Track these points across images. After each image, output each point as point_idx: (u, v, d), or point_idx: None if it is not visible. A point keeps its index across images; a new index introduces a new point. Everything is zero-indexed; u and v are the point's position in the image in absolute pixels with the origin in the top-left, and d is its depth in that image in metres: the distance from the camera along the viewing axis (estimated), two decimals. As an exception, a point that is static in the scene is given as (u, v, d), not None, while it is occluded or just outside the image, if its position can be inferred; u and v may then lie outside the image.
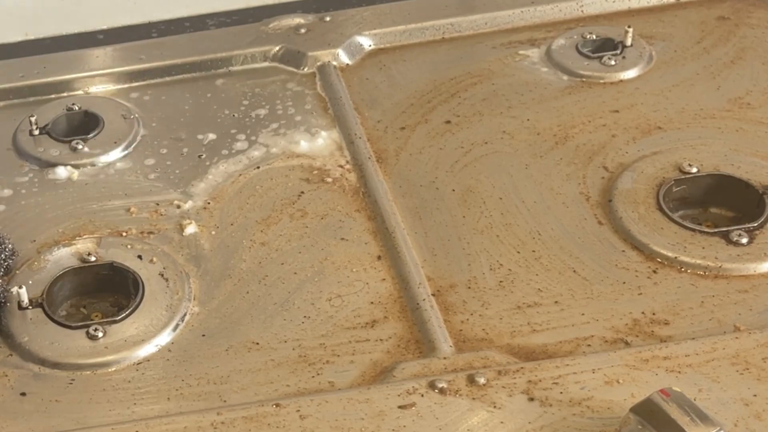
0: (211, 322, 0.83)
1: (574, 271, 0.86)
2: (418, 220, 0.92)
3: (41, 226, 0.93)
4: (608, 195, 0.93)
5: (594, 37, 1.12)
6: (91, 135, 1.02)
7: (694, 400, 0.68)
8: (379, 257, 0.89)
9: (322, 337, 0.82)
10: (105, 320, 0.82)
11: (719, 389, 0.74)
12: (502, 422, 0.73)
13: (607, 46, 1.11)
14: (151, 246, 0.89)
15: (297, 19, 1.16)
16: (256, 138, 1.02)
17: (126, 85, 1.10)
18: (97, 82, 1.10)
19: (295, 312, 0.84)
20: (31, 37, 1.21)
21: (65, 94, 1.09)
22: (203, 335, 0.82)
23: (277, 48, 1.13)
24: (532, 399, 0.74)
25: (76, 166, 0.99)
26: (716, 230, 0.88)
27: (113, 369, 0.80)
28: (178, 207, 0.95)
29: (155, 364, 0.80)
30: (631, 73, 1.08)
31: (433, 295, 0.85)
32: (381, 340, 0.82)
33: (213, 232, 0.92)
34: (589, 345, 0.80)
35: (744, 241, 0.87)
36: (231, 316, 0.84)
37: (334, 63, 1.11)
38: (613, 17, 1.16)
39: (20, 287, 0.83)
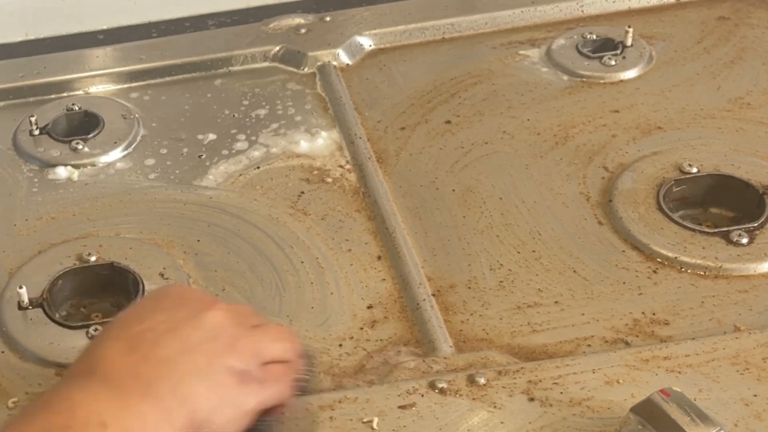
0: (211, 322, 0.83)
1: (574, 271, 0.86)
2: (418, 220, 0.92)
3: (41, 227, 0.93)
4: (608, 195, 0.93)
5: (594, 37, 1.12)
6: (91, 135, 1.02)
7: (694, 400, 0.68)
8: (379, 257, 0.89)
9: (322, 338, 0.82)
10: (105, 320, 0.82)
11: (719, 389, 0.74)
12: (502, 422, 0.73)
13: (607, 46, 1.11)
14: (152, 246, 0.89)
15: (297, 19, 1.16)
16: (257, 138, 1.02)
17: (126, 85, 1.10)
18: (97, 82, 1.10)
19: (295, 313, 0.84)
20: (31, 37, 1.21)
21: (65, 94, 1.09)
22: (203, 335, 0.82)
23: (277, 48, 1.13)
24: (532, 399, 0.74)
25: (76, 166, 0.99)
26: (716, 230, 0.88)
27: (113, 369, 0.80)
28: (178, 207, 0.95)
29: (155, 364, 0.80)
30: (631, 73, 1.08)
31: (433, 295, 0.85)
32: (381, 340, 0.82)
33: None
34: (589, 345, 0.80)
35: (744, 241, 0.87)
36: (231, 316, 0.84)
37: (334, 63, 1.11)
38: (613, 17, 1.16)
39: (20, 287, 0.83)
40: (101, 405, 0.58)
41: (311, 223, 0.92)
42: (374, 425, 0.72)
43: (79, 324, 0.82)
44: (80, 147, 1.01)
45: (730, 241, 0.87)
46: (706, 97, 1.05)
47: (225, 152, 1.01)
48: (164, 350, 0.60)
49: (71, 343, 0.81)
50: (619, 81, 1.07)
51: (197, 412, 0.60)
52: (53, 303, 0.84)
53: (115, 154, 1.01)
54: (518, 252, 0.89)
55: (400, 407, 0.74)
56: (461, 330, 0.82)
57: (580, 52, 1.10)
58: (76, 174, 0.98)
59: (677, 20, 1.16)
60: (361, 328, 0.83)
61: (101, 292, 0.87)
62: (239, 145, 1.01)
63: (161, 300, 0.66)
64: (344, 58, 1.12)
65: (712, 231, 0.88)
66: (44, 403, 0.59)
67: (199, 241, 0.91)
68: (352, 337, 0.82)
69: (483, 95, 1.07)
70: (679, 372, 0.75)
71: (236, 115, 1.05)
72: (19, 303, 0.83)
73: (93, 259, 0.87)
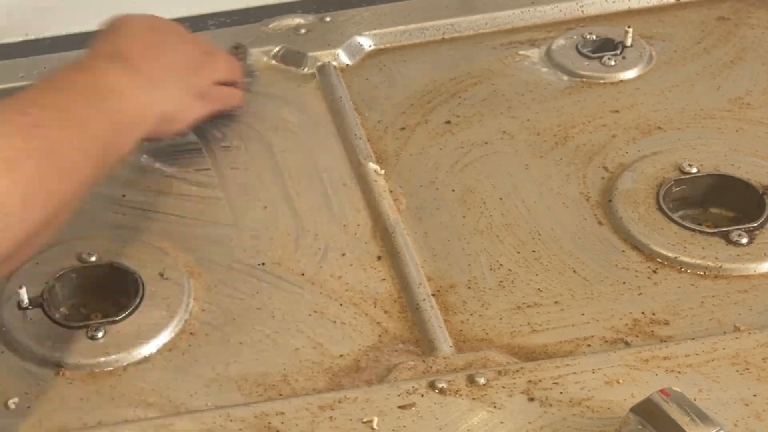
0: (212, 322, 0.83)
1: (574, 271, 0.87)
2: (418, 220, 0.92)
3: (41, 226, 0.93)
4: (608, 195, 0.93)
5: (594, 37, 1.12)
6: (91, 135, 1.02)
7: (694, 400, 0.68)
8: (379, 257, 0.89)
9: (322, 338, 0.82)
10: (105, 320, 0.82)
11: (719, 389, 0.74)
12: (502, 422, 0.73)
13: (607, 46, 1.11)
14: (152, 246, 0.89)
15: (297, 19, 1.16)
16: (257, 138, 1.02)
17: (126, 85, 1.10)
18: (97, 82, 1.10)
19: (295, 312, 0.84)
20: (31, 37, 1.21)
21: (65, 94, 1.08)
22: (203, 335, 0.82)
23: (277, 48, 1.13)
24: (532, 399, 0.74)
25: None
26: (716, 230, 0.88)
27: (113, 369, 0.80)
28: (178, 207, 0.95)
29: (155, 364, 0.80)
30: (631, 73, 1.08)
31: (433, 295, 0.85)
32: (381, 340, 0.82)
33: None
34: (589, 345, 0.80)
35: (744, 241, 0.87)
36: (231, 316, 0.84)
37: (334, 63, 1.11)
38: (613, 17, 1.16)
39: (20, 287, 0.83)
40: (119, 77, 0.80)
41: (311, 224, 0.92)
42: (374, 425, 0.72)
43: (79, 324, 0.82)
44: (80, 147, 1.00)
45: (730, 241, 0.87)
46: (706, 97, 1.05)
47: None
48: (158, 63, 0.87)
49: (71, 343, 0.81)
50: (619, 81, 1.07)
51: (168, 105, 0.86)
52: (53, 303, 0.84)
53: (115, 154, 1.00)
54: (518, 252, 0.89)
55: (399, 407, 0.74)
56: (461, 330, 0.82)
57: (580, 53, 1.10)
58: None
59: (677, 20, 1.16)
60: (361, 329, 0.83)
61: (101, 292, 0.87)
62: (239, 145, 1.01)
63: (157, 24, 0.93)
64: (344, 59, 1.12)
65: (712, 231, 0.88)
66: (75, 65, 0.80)
67: (199, 241, 0.91)
68: (351, 337, 0.82)
69: (483, 95, 1.07)
70: (679, 372, 0.75)
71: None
72: (18, 303, 0.83)
73: (93, 259, 0.87)
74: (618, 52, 1.09)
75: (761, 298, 0.83)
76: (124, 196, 0.96)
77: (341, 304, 0.85)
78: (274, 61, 1.12)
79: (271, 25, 1.16)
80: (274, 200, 0.95)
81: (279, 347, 0.81)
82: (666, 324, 0.81)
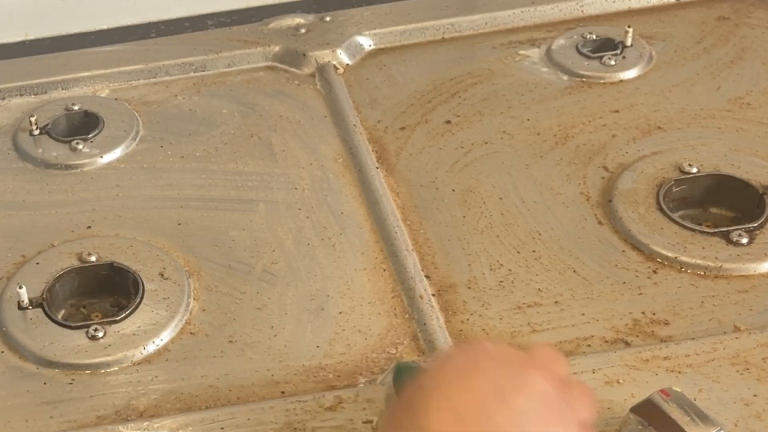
0: (212, 322, 0.83)
1: (574, 271, 0.87)
2: (418, 220, 0.92)
3: (41, 227, 0.93)
4: (608, 195, 0.93)
5: (594, 37, 1.12)
6: (91, 135, 1.02)
7: (694, 400, 0.68)
8: (379, 257, 0.89)
9: (322, 337, 0.82)
10: (105, 320, 0.82)
11: (719, 389, 0.74)
12: (502, 422, 0.72)
13: (607, 46, 1.11)
14: (152, 246, 0.89)
15: (297, 19, 1.16)
16: (257, 138, 1.02)
17: (126, 85, 1.10)
18: (97, 82, 1.10)
19: (295, 312, 0.84)
20: (31, 37, 1.21)
21: (65, 94, 1.09)
22: (203, 335, 0.82)
23: (277, 48, 1.13)
24: (532, 399, 0.74)
25: (76, 167, 0.99)
26: (716, 230, 0.88)
27: (113, 369, 0.80)
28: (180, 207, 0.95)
29: (155, 364, 0.80)
30: (631, 73, 1.08)
31: (433, 295, 0.85)
32: (381, 340, 0.82)
33: (213, 232, 0.92)
34: (589, 345, 0.80)
35: (744, 241, 0.87)
36: (231, 315, 0.84)
37: (334, 63, 1.11)
38: (613, 17, 1.16)
39: (20, 287, 0.83)
40: None
41: (311, 224, 0.92)
42: (374, 425, 0.72)
43: (79, 324, 0.82)
44: (80, 147, 1.01)
45: (730, 241, 0.87)
46: (706, 97, 1.05)
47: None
48: (494, 424, 0.56)
49: (71, 343, 0.81)
50: (619, 81, 1.07)
51: None
52: (53, 303, 0.84)
53: (115, 154, 1.01)
54: (518, 252, 0.89)
55: (400, 407, 0.74)
56: (461, 330, 0.82)
57: (580, 52, 1.10)
58: (76, 174, 0.98)
59: (677, 20, 1.16)
60: (361, 329, 0.83)
61: (101, 292, 0.87)
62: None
63: (478, 359, 0.60)
64: (344, 58, 1.12)
65: (712, 231, 0.88)
66: None
67: (199, 241, 0.91)
68: (352, 337, 0.82)
69: (483, 95, 1.07)
70: (679, 372, 0.75)
71: (236, 115, 1.05)
72: (19, 303, 0.83)
73: (93, 259, 0.87)
74: (618, 51, 1.09)
75: (761, 298, 0.83)
76: (128, 195, 0.96)
77: (341, 304, 0.84)
78: (274, 61, 1.12)
79: (271, 25, 1.16)
80: (274, 200, 0.95)
81: (279, 347, 0.81)
82: (666, 324, 0.81)
